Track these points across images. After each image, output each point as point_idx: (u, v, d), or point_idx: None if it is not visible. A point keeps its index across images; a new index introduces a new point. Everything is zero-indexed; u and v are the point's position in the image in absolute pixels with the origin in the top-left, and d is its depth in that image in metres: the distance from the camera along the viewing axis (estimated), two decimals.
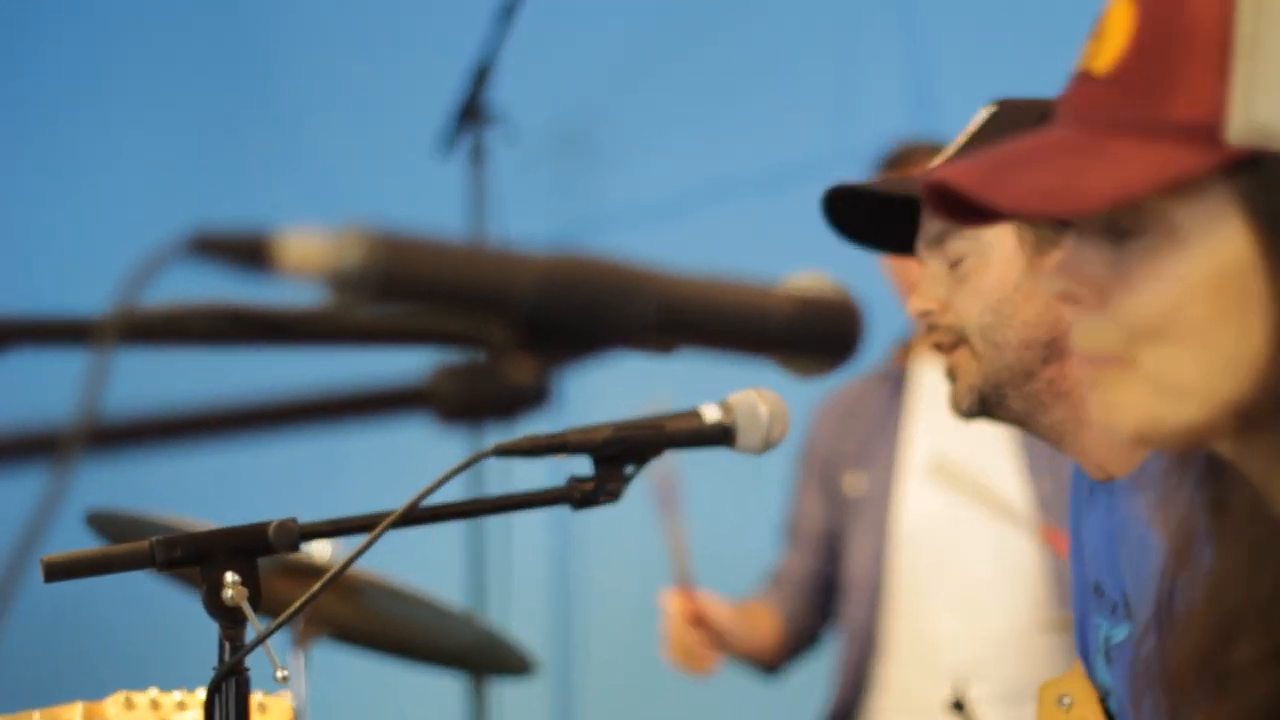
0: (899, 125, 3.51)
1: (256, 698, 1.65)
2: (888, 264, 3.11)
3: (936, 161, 1.73)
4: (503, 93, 3.69)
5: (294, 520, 1.51)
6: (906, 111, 3.70)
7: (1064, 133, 1.08)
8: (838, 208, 1.78)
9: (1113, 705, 1.69)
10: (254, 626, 1.46)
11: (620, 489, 1.59)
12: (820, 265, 1.01)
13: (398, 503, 1.49)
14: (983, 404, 1.72)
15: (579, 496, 1.59)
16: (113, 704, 1.72)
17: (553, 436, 1.58)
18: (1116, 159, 1.03)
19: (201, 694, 1.66)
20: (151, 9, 4.17)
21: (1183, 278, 1.03)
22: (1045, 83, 1.72)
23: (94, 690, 1.76)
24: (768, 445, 1.63)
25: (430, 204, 3.84)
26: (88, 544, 1.55)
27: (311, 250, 0.79)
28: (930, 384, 3.11)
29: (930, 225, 1.74)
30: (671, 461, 3.03)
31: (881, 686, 3.06)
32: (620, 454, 1.58)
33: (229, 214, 3.69)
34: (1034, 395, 1.70)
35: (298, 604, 1.47)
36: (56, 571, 1.47)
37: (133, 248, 0.86)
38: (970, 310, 1.70)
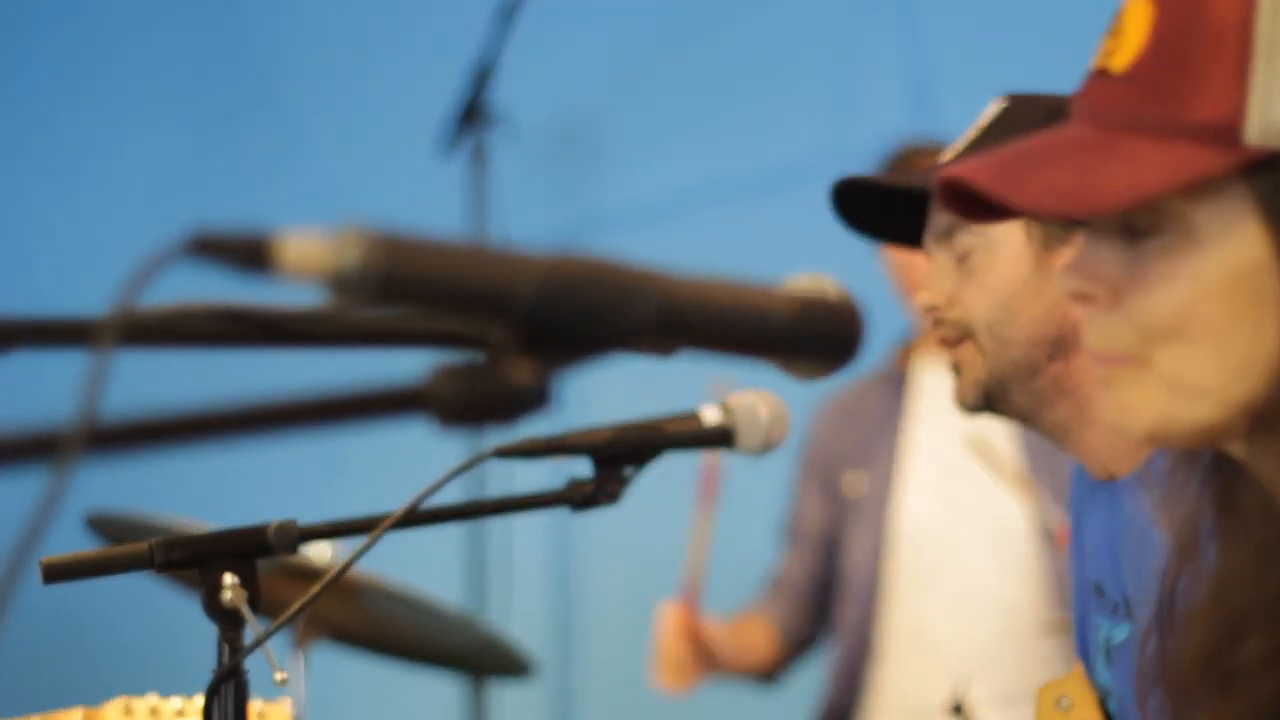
0: (899, 125, 3.51)
1: (256, 705, 1.65)
2: (890, 263, 3.11)
3: (946, 156, 1.73)
4: (503, 93, 3.68)
5: (293, 522, 1.50)
6: (906, 112, 3.70)
7: (1080, 131, 1.08)
8: (845, 201, 1.78)
9: (1112, 707, 1.69)
10: (253, 628, 1.46)
11: (620, 491, 1.59)
12: (821, 266, 1.01)
13: (397, 504, 1.49)
14: (987, 399, 1.72)
15: (578, 498, 1.59)
16: (112, 710, 1.72)
17: (553, 438, 1.58)
18: (1133, 158, 1.03)
19: (200, 700, 1.66)
20: (151, 9, 4.17)
21: (1198, 278, 1.03)
22: (1045, 82, 1.72)
23: (93, 694, 1.75)
24: (767, 447, 1.63)
25: (431, 205, 3.84)
26: (87, 546, 1.55)
27: (311, 251, 0.79)
28: (931, 385, 3.11)
29: (938, 219, 1.73)
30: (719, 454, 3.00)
31: (879, 688, 3.05)
32: (620, 456, 1.58)
33: (229, 214, 3.68)
34: (1039, 392, 1.70)
35: (297, 606, 1.47)
36: (55, 573, 1.46)
37: (133, 248, 0.85)
38: (977, 305, 1.70)
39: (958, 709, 2.39)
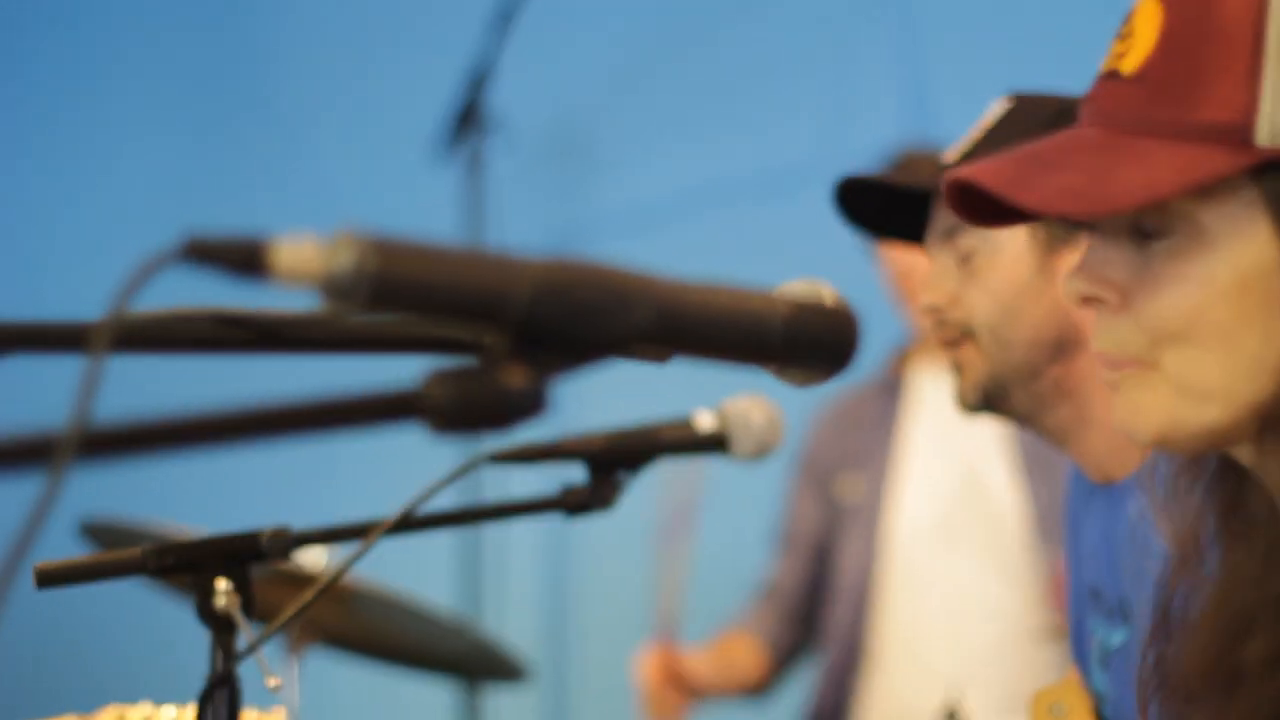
0: (895, 130, 3.51)
1: (251, 715, 1.64)
2: (889, 269, 3.11)
3: (949, 156, 1.73)
4: (499, 98, 3.68)
5: (287, 527, 1.50)
6: (903, 115, 3.70)
7: (1090, 133, 1.08)
8: (847, 200, 1.78)
9: (1108, 712, 1.68)
10: (246, 634, 1.45)
11: (614, 496, 1.59)
12: (817, 271, 1.01)
13: (392, 510, 1.48)
14: (987, 400, 1.72)
15: (573, 504, 1.59)
16: (105, 718, 1.71)
17: (547, 444, 1.58)
18: (1144, 159, 1.03)
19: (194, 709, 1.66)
20: (151, 12, 4.17)
21: (1208, 279, 1.03)
22: (1043, 85, 1.72)
23: (86, 702, 1.75)
24: (761, 453, 1.63)
25: (427, 210, 3.84)
26: (81, 553, 1.55)
27: (304, 256, 0.78)
28: (926, 393, 3.11)
29: (941, 219, 1.73)
30: (695, 480, 2.93)
31: (869, 694, 3.05)
32: (615, 461, 1.58)
33: (226, 219, 3.67)
34: (1039, 394, 1.70)
35: (291, 611, 1.47)
36: (49, 578, 1.46)
37: (130, 248, 0.85)
38: (979, 306, 1.70)
39: (951, 716, 2.39)
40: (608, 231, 3.91)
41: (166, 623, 2.55)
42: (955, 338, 1.73)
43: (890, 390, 3.17)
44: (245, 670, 1.46)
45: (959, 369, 1.73)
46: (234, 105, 4.14)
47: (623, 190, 3.93)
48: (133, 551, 1.48)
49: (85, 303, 0.94)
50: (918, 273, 2.92)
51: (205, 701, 1.46)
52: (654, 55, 3.93)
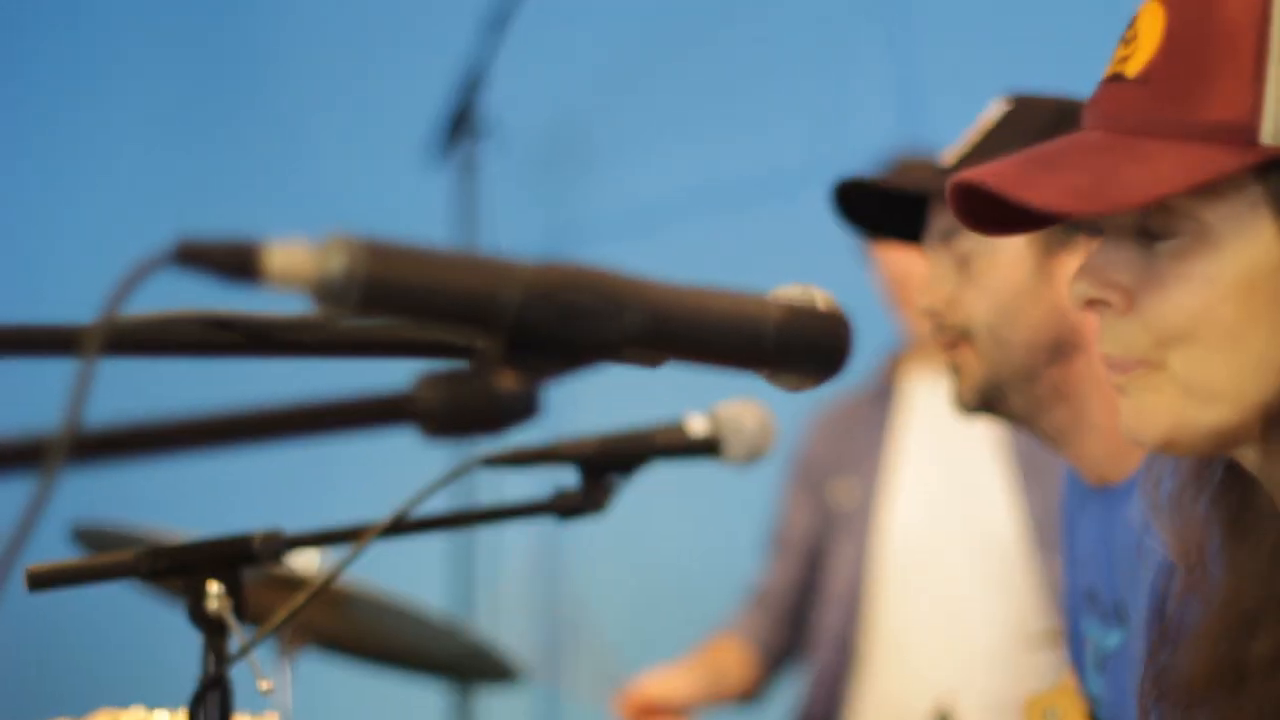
0: (890, 133, 3.51)
1: (243, 719, 1.64)
2: (884, 274, 3.11)
3: (949, 158, 1.73)
4: (493, 101, 3.68)
5: (279, 530, 1.50)
6: (897, 119, 3.70)
7: (1094, 135, 1.08)
8: (845, 201, 1.78)
9: (1103, 716, 1.68)
10: (238, 637, 1.45)
11: (606, 500, 1.59)
12: (810, 275, 1.01)
13: (384, 513, 1.48)
14: (984, 402, 1.72)
15: (565, 507, 1.59)
16: None
17: (540, 447, 1.58)
18: (1149, 159, 1.03)
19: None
20: (150, 13, 4.17)
21: (1214, 279, 1.03)
22: (1039, 88, 1.72)
23: (78, 706, 1.74)
24: (753, 457, 1.63)
25: (420, 213, 3.84)
26: (73, 557, 1.54)
27: (296, 259, 0.78)
28: (919, 398, 3.11)
29: (939, 221, 1.73)
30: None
31: (860, 698, 3.05)
32: (607, 465, 1.58)
33: (219, 221, 3.68)
34: (1036, 396, 1.70)
35: (283, 615, 1.46)
36: (41, 581, 1.46)
37: (125, 252, 0.85)
38: (977, 308, 1.70)
39: None
40: (601, 235, 3.91)
41: (158, 626, 2.55)
42: (953, 340, 1.73)
43: (883, 396, 3.17)
44: (237, 673, 1.46)
45: (957, 371, 1.73)
46: (229, 108, 4.14)
47: (616, 193, 3.93)
48: (125, 554, 1.48)
49: (84, 303, 0.93)
50: (914, 277, 2.93)
51: (197, 705, 1.46)
52: (647, 58, 3.93)
